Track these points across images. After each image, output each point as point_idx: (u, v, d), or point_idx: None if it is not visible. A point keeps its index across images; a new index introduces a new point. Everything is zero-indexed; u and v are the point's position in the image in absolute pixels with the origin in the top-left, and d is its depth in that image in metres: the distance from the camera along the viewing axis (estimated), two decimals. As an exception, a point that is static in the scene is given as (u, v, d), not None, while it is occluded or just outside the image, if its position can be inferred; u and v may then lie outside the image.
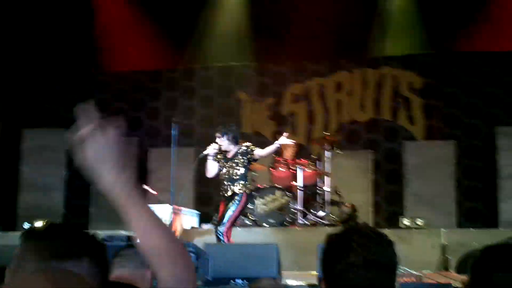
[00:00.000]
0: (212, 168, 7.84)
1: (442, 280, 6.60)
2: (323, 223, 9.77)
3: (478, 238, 9.26)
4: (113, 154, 1.48)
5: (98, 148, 1.48)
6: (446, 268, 8.72)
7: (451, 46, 11.45)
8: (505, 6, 10.97)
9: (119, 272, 3.02)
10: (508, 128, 10.84)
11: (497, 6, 10.95)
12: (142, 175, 11.05)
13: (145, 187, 9.55)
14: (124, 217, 1.51)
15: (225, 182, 7.78)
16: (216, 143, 7.78)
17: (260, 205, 9.53)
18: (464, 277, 5.70)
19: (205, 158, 7.87)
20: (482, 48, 11.37)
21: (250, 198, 8.09)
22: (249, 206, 9.50)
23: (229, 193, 7.73)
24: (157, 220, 1.55)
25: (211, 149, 7.75)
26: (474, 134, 11.41)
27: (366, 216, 10.65)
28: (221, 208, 7.80)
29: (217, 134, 7.84)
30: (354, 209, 10.03)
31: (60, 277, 1.40)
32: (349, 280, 1.78)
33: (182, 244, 1.58)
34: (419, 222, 9.61)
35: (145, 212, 1.53)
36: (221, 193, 7.90)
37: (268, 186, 9.72)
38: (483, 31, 10.94)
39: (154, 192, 9.34)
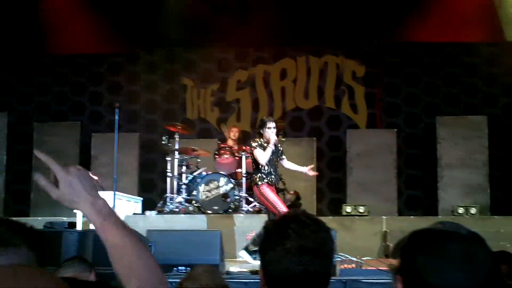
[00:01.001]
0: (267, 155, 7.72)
1: (381, 266, 6.71)
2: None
3: (418, 225, 9.41)
4: (85, 187, 1.66)
5: (71, 183, 1.65)
6: (387, 255, 8.87)
7: (394, 36, 11.61)
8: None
9: (66, 273, 3.23)
10: (448, 118, 11.08)
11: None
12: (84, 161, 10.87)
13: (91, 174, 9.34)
14: (102, 238, 1.64)
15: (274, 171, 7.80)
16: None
17: (204, 192, 9.49)
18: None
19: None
20: (423, 39, 11.56)
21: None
22: (193, 192, 9.47)
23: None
24: (134, 239, 1.65)
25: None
26: (415, 123, 11.63)
27: (310, 203, 10.73)
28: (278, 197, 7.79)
29: (273, 124, 7.71)
30: (297, 196, 10.09)
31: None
32: (285, 266, 1.81)
33: (155, 261, 1.69)
34: (361, 209, 9.76)
35: (121, 232, 1.65)
36: (271, 182, 7.68)
37: (212, 173, 9.69)
38: (425, 22, 11.12)
39: (95, 178, 9.18)
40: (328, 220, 9.49)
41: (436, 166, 10.75)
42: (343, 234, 9.13)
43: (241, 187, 9.60)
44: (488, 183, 10.57)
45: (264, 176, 7.57)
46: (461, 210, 9.82)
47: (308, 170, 7.97)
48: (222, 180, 9.57)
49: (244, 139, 10.72)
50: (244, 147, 9.97)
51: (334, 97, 11.96)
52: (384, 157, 10.98)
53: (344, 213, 9.80)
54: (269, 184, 7.58)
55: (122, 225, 1.67)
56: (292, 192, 9.98)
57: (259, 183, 7.57)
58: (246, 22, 11.35)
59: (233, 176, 9.81)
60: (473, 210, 9.77)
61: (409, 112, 11.69)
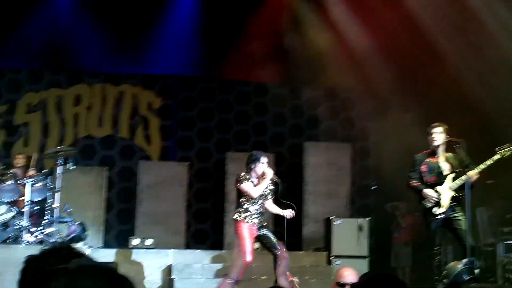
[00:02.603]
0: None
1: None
2: (50, 241, 9.35)
3: (203, 259, 9.62)
4: None
5: None
6: (171, 289, 8.89)
7: (192, 69, 11.84)
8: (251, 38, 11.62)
9: None
10: (237, 154, 11.44)
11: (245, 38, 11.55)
12: None
13: None
14: None
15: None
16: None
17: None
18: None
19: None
20: (221, 76, 11.95)
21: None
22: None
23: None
24: None
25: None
26: (207, 157, 11.87)
27: (97, 234, 10.46)
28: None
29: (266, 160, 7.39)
30: (83, 227, 9.76)
31: None
32: None
33: None
34: (148, 242, 9.69)
35: None
36: (255, 222, 7.33)
37: (-9, 200, 9.06)
38: (225, 58, 11.49)
39: None
40: (114, 253, 9.31)
41: (224, 201, 11.02)
42: (127, 267, 9.00)
43: (23, 215, 9.07)
44: (272, 219, 11.02)
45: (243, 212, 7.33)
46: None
47: (287, 215, 7.57)
48: (3, 208, 9.00)
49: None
50: (30, 174, 9.49)
51: (128, 127, 11.83)
52: (174, 190, 11.06)
53: (130, 246, 9.66)
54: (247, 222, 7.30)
55: None
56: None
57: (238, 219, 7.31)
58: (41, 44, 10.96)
59: (14, 203, 9.26)
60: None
61: (202, 146, 11.92)
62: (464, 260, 6.01)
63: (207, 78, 12.09)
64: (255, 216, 7.35)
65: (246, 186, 7.25)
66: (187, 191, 11.22)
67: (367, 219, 10.23)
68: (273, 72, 12.09)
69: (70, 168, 9.74)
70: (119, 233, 11.26)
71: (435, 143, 7.14)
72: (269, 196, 7.52)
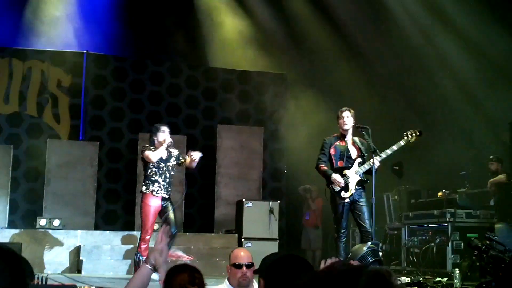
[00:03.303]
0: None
1: (67, 282, 6.73)
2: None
3: (112, 240, 9.51)
4: None
5: None
6: (79, 270, 8.75)
7: (105, 48, 11.60)
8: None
9: None
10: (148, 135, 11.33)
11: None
12: None
13: None
14: None
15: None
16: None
17: None
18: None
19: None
20: (134, 55, 11.78)
21: None
22: None
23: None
24: None
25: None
26: (118, 137, 11.69)
27: (2, 214, 10.13)
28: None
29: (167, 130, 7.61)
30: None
31: None
32: None
33: None
34: (56, 222, 9.48)
35: None
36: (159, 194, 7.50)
37: None
38: (143, 39, 11.34)
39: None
40: (20, 233, 9.07)
41: (135, 181, 10.90)
42: (34, 248, 8.81)
43: None
44: (184, 200, 11.03)
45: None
46: (155, 226, 10.05)
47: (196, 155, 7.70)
48: None
49: None
50: None
51: (36, 105, 11.45)
52: (84, 170, 10.85)
53: (38, 226, 9.42)
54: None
55: None
56: None
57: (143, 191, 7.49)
58: None
59: None
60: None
61: (113, 126, 11.71)
62: (369, 243, 6.20)
63: (119, 57, 11.87)
64: (164, 188, 7.57)
65: (147, 152, 7.52)
66: (98, 171, 11.02)
67: (277, 202, 10.39)
68: (187, 53, 12.06)
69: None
70: (25, 213, 10.94)
71: (345, 127, 7.28)
72: (175, 167, 7.78)
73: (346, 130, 7.32)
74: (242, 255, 4.31)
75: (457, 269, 7.51)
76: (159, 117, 11.74)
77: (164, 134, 7.54)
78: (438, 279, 7.94)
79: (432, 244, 9.01)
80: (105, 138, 11.58)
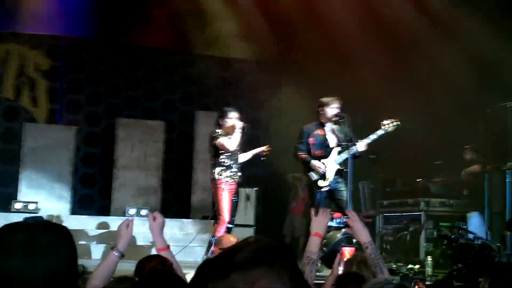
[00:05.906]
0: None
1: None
2: None
3: (88, 225, 9.50)
4: None
5: None
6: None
7: (83, 32, 11.50)
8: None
9: None
10: (127, 120, 11.31)
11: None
12: None
13: None
14: None
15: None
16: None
17: None
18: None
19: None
20: (112, 39, 11.68)
21: None
22: None
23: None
24: None
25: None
26: (95, 122, 11.63)
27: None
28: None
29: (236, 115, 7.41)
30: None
31: None
32: None
33: None
34: (31, 206, 9.44)
35: None
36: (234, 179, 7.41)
37: None
38: (117, 22, 11.25)
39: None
40: (-5, 217, 9.01)
41: (112, 166, 10.88)
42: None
43: None
44: (161, 186, 11.03)
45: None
46: (132, 211, 10.09)
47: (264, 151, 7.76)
48: None
49: None
50: None
51: (13, 88, 11.35)
52: (61, 154, 10.80)
53: (13, 210, 9.37)
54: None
55: None
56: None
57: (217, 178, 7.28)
58: None
59: None
60: (143, 212, 10.10)
61: (91, 110, 11.65)
62: (343, 230, 6.26)
63: (97, 41, 11.77)
64: (237, 173, 7.46)
65: (222, 140, 7.30)
66: (74, 155, 10.97)
67: (254, 189, 10.41)
68: (166, 38, 11.98)
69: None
70: (0, 196, 10.86)
71: (327, 115, 7.29)
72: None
73: (326, 119, 7.34)
74: (232, 240, 4.72)
75: (429, 257, 7.61)
76: (136, 101, 11.70)
77: (232, 121, 7.36)
78: (410, 266, 8.04)
79: (406, 232, 9.11)
80: (82, 123, 11.51)
